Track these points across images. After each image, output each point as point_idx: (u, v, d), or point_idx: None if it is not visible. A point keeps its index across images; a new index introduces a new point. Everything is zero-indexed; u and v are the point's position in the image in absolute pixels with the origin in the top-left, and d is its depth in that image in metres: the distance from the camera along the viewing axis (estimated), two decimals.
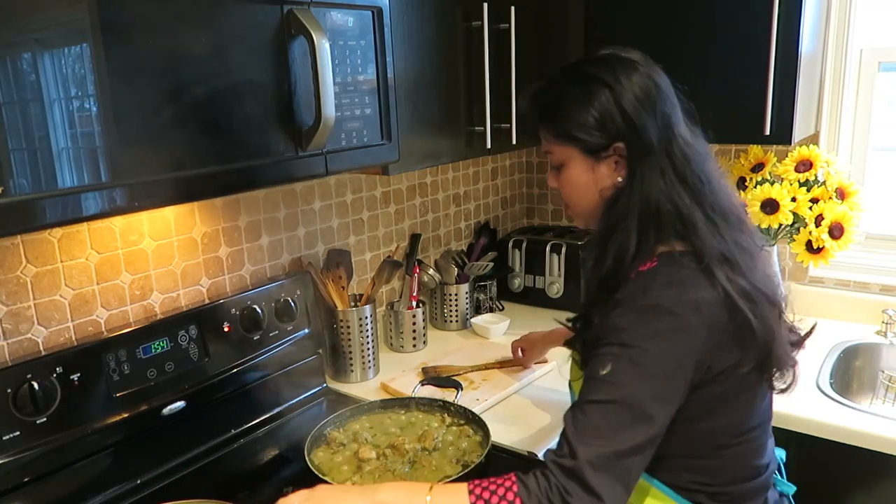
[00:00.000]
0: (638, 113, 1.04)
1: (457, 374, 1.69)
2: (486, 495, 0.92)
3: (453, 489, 0.96)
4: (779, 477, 1.21)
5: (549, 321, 2.11)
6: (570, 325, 1.20)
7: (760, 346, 1.00)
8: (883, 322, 1.92)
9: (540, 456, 1.37)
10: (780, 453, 1.25)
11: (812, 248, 1.85)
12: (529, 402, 1.61)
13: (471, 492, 0.93)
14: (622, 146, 1.05)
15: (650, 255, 1.03)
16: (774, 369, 1.05)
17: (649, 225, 1.03)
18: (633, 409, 0.93)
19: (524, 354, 1.74)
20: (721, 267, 0.99)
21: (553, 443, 1.42)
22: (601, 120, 1.05)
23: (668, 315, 0.95)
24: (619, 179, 1.07)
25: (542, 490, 0.91)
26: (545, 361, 1.77)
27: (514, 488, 0.92)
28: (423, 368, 1.72)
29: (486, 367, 1.75)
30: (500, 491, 0.92)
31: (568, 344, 1.22)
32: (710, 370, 0.98)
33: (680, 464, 1.05)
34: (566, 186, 1.14)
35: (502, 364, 1.76)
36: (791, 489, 1.20)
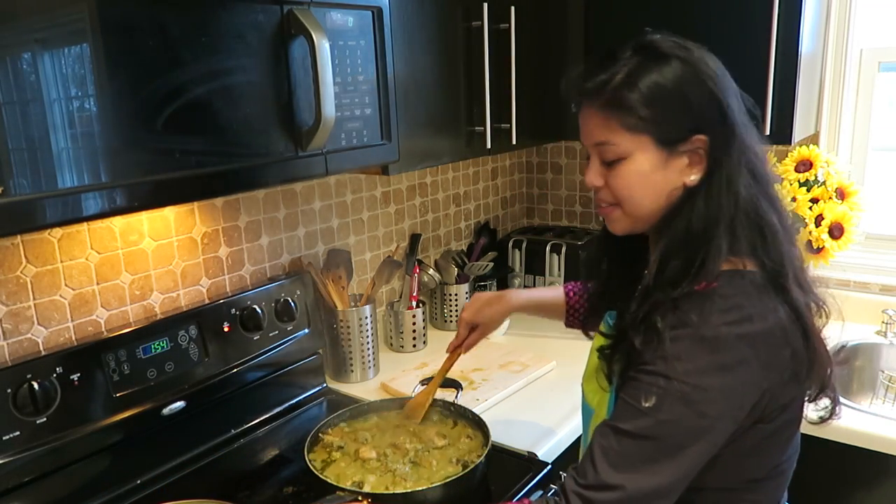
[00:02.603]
0: (725, 96, 0.89)
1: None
2: None
3: None
4: None
5: (548, 321, 2.11)
6: (604, 346, 0.99)
7: (816, 378, 0.93)
8: (883, 322, 1.92)
9: (540, 456, 1.37)
10: None
11: (812, 249, 1.85)
12: (529, 402, 1.60)
13: None
14: (704, 138, 0.89)
15: (717, 272, 0.88)
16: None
17: (732, 236, 0.88)
18: (674, 448, 0.86)
19: (474, 333, 1.38)
20: (793, 285, 0.90)
21: (552, 443, 1.42)
22: (682, 104, 0.88)
23: (726, 350, 0.85)
24: (693, 178, 0.90)
25: None
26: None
27: None
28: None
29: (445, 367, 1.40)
30: None
31: (601, 355, 1.00)
32: (767, 408, 0.89)
33: (711, 497, 0.97)
34: (627, 184, 0.93)
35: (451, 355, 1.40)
36: None
